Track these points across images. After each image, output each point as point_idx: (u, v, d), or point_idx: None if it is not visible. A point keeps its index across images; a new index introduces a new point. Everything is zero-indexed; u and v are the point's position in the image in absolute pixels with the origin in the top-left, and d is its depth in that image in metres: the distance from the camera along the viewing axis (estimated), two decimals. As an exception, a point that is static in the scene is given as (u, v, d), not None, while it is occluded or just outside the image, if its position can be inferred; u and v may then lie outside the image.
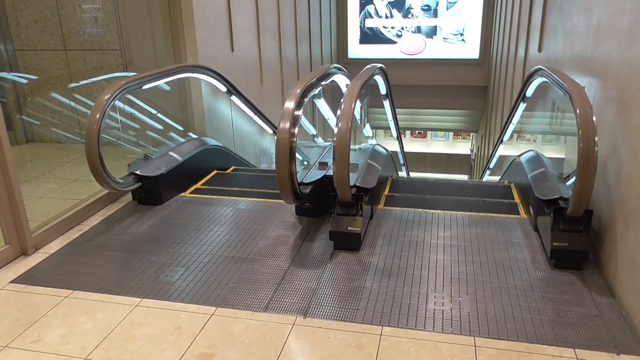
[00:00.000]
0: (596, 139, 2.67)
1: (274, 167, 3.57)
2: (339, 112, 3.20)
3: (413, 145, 18.29)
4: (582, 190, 2.77)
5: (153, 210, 4.06)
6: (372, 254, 3.31)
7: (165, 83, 5.14)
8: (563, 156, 4.85)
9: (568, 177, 3.68)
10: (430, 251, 3.33)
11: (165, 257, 3.29)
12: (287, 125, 3.15)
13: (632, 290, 2.52)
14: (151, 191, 4.12)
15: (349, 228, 3.29)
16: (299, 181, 3.61)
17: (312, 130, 6.74)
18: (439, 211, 3.98)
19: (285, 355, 2.36)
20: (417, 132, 18.47)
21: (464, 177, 18.55)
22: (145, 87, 4.22)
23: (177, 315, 2.68)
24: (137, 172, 4.07)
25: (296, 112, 3.25)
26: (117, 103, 4.10)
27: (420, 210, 4.02)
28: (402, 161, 8.13)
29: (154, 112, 5.73)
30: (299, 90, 3.38)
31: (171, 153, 4.51)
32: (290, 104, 3.25)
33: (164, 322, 2.62)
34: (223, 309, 2.73)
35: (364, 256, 3.28)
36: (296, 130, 3.20)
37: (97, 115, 3.54)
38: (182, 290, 2.91)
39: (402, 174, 8.77)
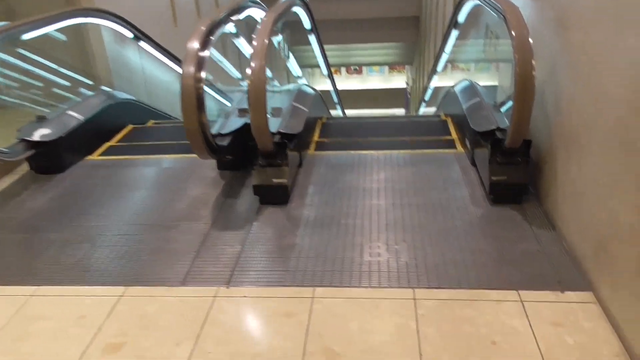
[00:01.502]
0: (533, 62, 2.42)
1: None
2: (250, 51, 2.79)
3: (349, 82, 17.95)
4: (520, 120, 2.56)
5: (54, 180, 3.56)
6: (302, 205, 3.02)
7: (60, 32, 4.48)
8: (497, 83, 4.68)
9: (503, 103, 3.49)
10: (364, 197, 3.09)
11: (68, 233, 2.87)
12: (191, 69, 2.71)
13: (574, 222, 2.38)
14: (49, 158, 3.60)
15: (275, 180, 2.97)
16: (216, 132, 3.22)
17: (237, 74, 6.23)
18: (372, 152, 3.72)
19: (205, 335, 2.07)
20: (352, 68, 18.10)
21: (401, 111, 18.56)
22: (26, 36, 3.59)
23: (81, 302, 2.31)
24: (28, 138, 3.51)
25: (201, 53, 2.80)
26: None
27: (353, 152, 3.74)
28: (336, 100, 7.80)
29: (55, 66, 5.05)
30: (203, 28, 2.91)
31: (71, 112, 3.95)
32: (193, 44, 2.79)
33: (65, 312, 2.25)
34: (134, 287, 2.39)
35: (294, 209, 2.99)
36: (203, 74, 2.77)
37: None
38: (86, 270, 2.53)
39: (337, 112, 8.47)
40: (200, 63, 2.78)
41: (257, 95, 2.70)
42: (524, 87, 2.47)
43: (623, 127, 1.89)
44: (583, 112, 2.28)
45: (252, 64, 2.72)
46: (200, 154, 2.86)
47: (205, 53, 2.84)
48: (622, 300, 1.91)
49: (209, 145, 2.87)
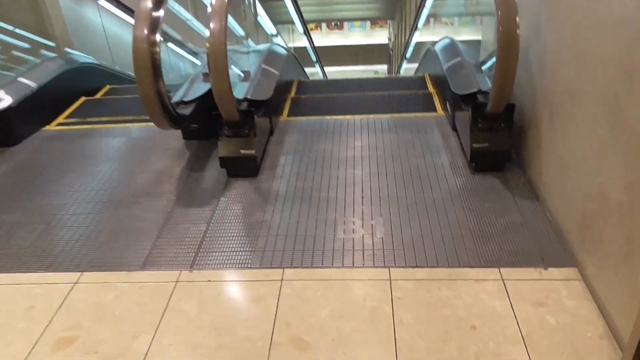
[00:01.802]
0: (517, 19, 2.22)
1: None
2: (209, 10, 2.52)
3: (331, 39, 17.44)
4: (502, 82, 2.37)
5: (6, 154, 3.31)
6: (272, 177, 2.84)
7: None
8: (480, 38, 4.45)
9: (485, 62, 3.29)
10: (339, 166, 2.91)
11: (20, 214, 2.66)
12: (144, 31, 2.45)
13: (559, 194, 2.24)
14: None
15: (242, 151, 2.77)
16: (179, 99, 2.99)
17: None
18: (348, 117, 3.52)
19: (166, 325, 1.92)
20: (333, 24, 17.56)
21: (383, 68, 18.17)
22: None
23: (31, 291, 2.14)
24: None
25: (155, 13, 2.53)
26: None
27: (328, 118, 3.54)
28: (314, 58, 7.48)
29: (10, 28, 4.68)
30: (157, -16, 2.63)
31: (22, 79, 3.65)
32: (146, 3, 2.52)
33: (13, 303, 2.08)
34: (90, 273, 2.21)
35: (264, 182, 2.80)
36: (157, 37, 2.51)
37: None
38: (38, 255, 2.34)
39: (316, 70, 8.18)
40: (155, 24, 2.51)
41: (217, 59, 2.46)
42: (507, 47, 2.28)
43: (612, 95, 1.72)
44: (568, 76, 2.09)
45: (211, 25, 2.46)
46: (159, 124, 2.63)
47: (160, 13, 2.57)
48: (607, 280, 1.79)
49: (169, 115, 2.64)
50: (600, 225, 1.83)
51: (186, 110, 2.93)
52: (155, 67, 2.49)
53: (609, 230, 1.76)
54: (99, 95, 4.42)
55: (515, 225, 2.31)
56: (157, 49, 2.51)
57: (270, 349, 1.78)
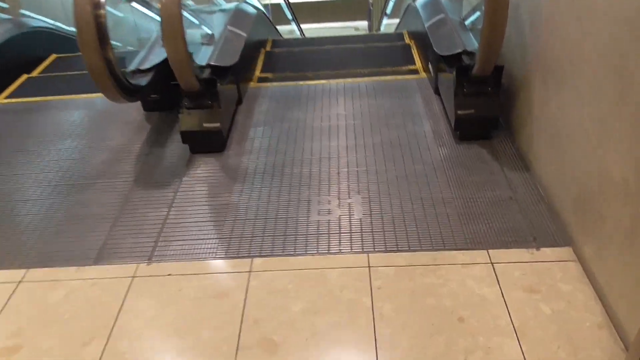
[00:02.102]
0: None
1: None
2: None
3: (308, -6, 16.72)
4: (490, 42, 2.13)
5: (-55, 132, 3.00)
6: (241, 153, 2.60)
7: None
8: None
9: (467, 17, 3.02)
10: (314, 138, 2.68)
11: (-40, 201, 2.40)
12: (85, -9, 2.14)
13: (552, 167, 2.05)
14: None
15: (205, 125, 2.51)
16: (135, 68, 2.70)
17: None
18: (324, 82, 3.26)
19: (120, 329, 1.71)
20: (310, -22, 16.82)
21: (364, 24, 17.60)
22: None
23: (-31, 292, 1.91)
24: None
25: (97, -31, 2.21)
26: None
27: (302, 83, 3.27)
28: (290, 16, 7.09)
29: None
30: None
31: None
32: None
33: (-52, 307, 1.85)
34: (36, 270, 1.98)
35: (231, 158, 2.56)
36: (101, -3, 2.19)
37: None
38: (-22, 250, 2.10)
39: (292, 28, 7.78)
40: (98, -18, 2.19)
41: (171, 22, 2.17)
42: (495, 1, 2.03)
43: (617, 55, 1.50)
44: (566, 35, 1.86)
45: (163, -18, 2.16)
46: (109, 96, 2.35)
47: (104, -31, 2.24)
48: (608, 264, 1.62)
49: (121, 86, 2.36)
50: (601, 204, 1.64)
51: (143, 80, 2.64)
52: (101, 33, 2.19)
53: (611, 209, 1.57)
54: (54, 61, 4.05)
55: (504, 201, 2.13)
56: (103, 11, 2.21)
57: (236, 353, 1.59)
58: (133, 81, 2.49)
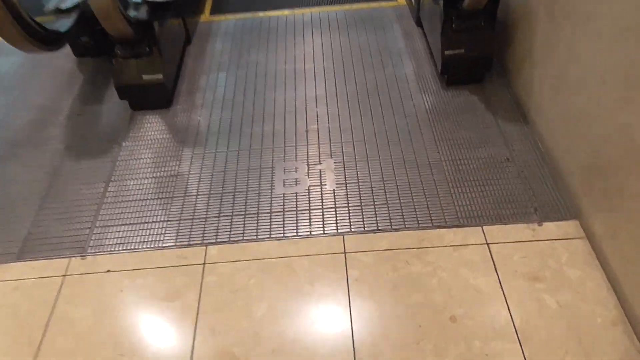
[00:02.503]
0: None
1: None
2: None
3: None
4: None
5: None
6: (191, 108, 2.21)
7: None
8: None
9: None
10: (277, 86, 2.29)
11: None
12: None
13: (557, 121, 1.73)
14: None
15: (145, 76, 2.09)
16: (54, 7, 2.20)
17: None
18: (287, 12, 2.80)
19: (49, 343, 1.43)
20: None
21: None
22: None
23: None
24: None
25: None
26: None
27: (262, 15, 2.81)
28: None
29: None
30: None
31: None
32: None
33: None
34: (-54, 270, 1.65)
35: (179, 114, 2.18)
36: None
37: None
38: None
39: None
40: None
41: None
42: None
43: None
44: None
45: None
46: (17, 45, 1.89)
47: None
48: (623, 247, 1.36)
49: (31, 33, 1.89)
50: (618, 174, 1.35)
51: (66, 22, 2.16)
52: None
53: (632, 181, 1.29)
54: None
55: (499, 162, 1.83)
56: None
57: (188, 376, 1.33)
58: (52, 26, 2.01)
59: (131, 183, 1.88)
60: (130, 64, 2.06)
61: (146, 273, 1.59)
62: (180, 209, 1.76)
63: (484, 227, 1.62)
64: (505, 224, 1.63)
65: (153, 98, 2.15)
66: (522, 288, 1.46)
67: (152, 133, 2.08)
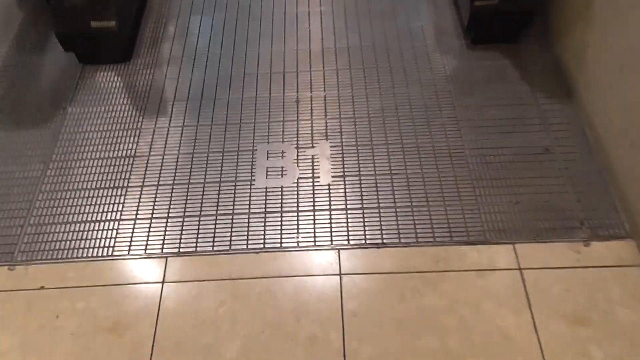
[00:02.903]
0: None
1: None
2: None
3: None
4: None
5: None
6: (152, 64, 1.78)
7: None
8: None
9: None
10: (262, 36, 1.85)
11: None
12: None
13: (617, 101, 1.34)
14: None
15: (94, 23, 1.64)
16: None
17: None
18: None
19: (-38, 393, 1.13)
20: None
21: None
22: None
23: None
24: None
25: None
26: None
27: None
28: None
29: None
30: None
31: None
32: None
33: None
34: None
35: (139, 72, 1.75)
36: None
37: None
38: None
39: None
40: None
41: None
42: None
43: None
44: None
45: None
46: None
47: None
48: None
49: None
50: None
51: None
52: None
53: None
54: None
55: (536, 154, 1.46)
56: None
57: None
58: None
59: (75, 166, 1.50)
60: (75, 6, 1.60)
61: (90, 293, 1.26)
62: (137, 205, 1.41)
63: (516, 246, 1.29)
64: (543, 242, 1.29)
65: (106, 50, 1.71)
66: (562, 333, 1.15)
67: (105, 96, 1.67)
